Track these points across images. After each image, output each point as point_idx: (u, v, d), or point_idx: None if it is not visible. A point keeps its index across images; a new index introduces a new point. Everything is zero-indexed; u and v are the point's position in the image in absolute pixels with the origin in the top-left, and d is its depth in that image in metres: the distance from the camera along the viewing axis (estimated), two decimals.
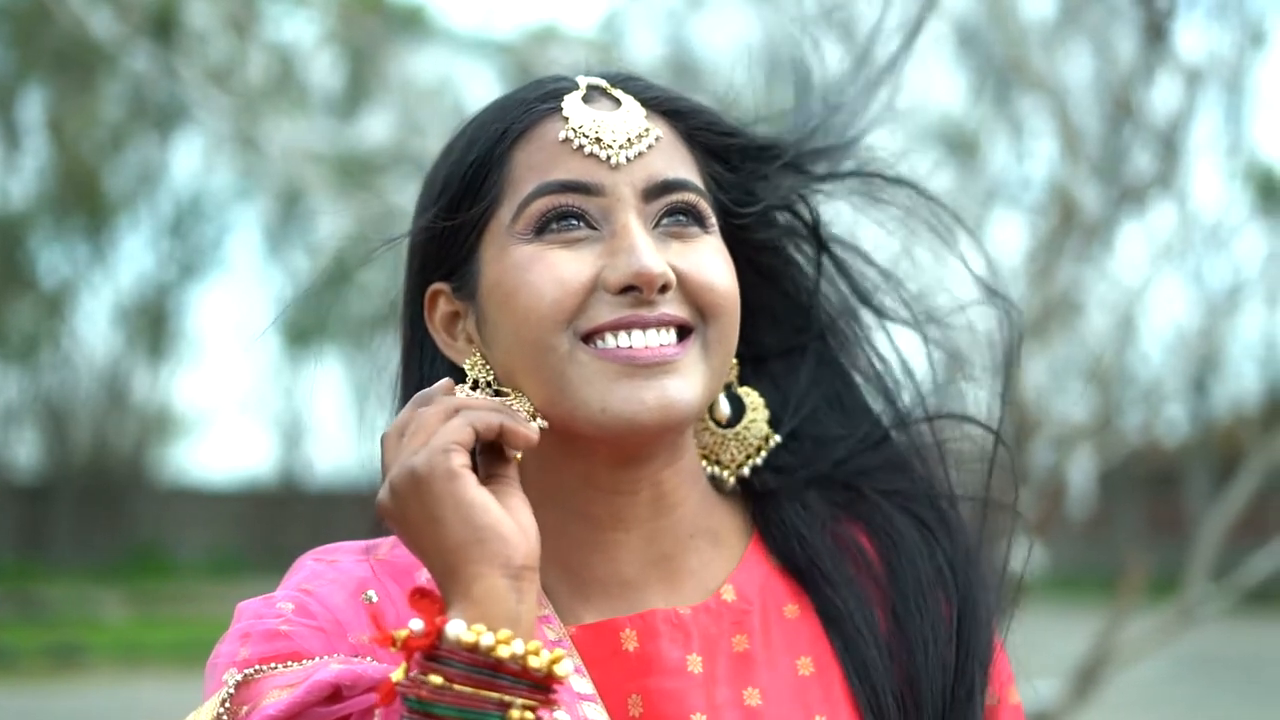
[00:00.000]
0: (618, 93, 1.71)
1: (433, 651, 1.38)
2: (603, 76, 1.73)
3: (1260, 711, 16.58)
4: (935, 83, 9.17)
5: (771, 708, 1.66)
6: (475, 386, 1.68)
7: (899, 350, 1.85)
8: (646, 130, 1.67)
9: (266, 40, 6.31)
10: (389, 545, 1.72)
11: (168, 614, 26.31)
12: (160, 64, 6.33)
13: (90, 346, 38.59)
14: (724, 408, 1.79)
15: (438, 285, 1.73)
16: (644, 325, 1.60)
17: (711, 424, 1.80)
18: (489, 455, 1.55)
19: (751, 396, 1.81)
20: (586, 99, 1.69)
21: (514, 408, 1.61)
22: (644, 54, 8.05)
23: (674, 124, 1.72)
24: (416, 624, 1.39)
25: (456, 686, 1.37)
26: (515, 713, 1.37)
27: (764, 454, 1.80)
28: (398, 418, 1.55)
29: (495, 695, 1.37)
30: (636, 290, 1.60)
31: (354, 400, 45.54)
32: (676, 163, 1.68)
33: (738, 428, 1.79)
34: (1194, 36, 6.54)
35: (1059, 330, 5.70)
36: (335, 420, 52.66)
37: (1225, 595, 6.40)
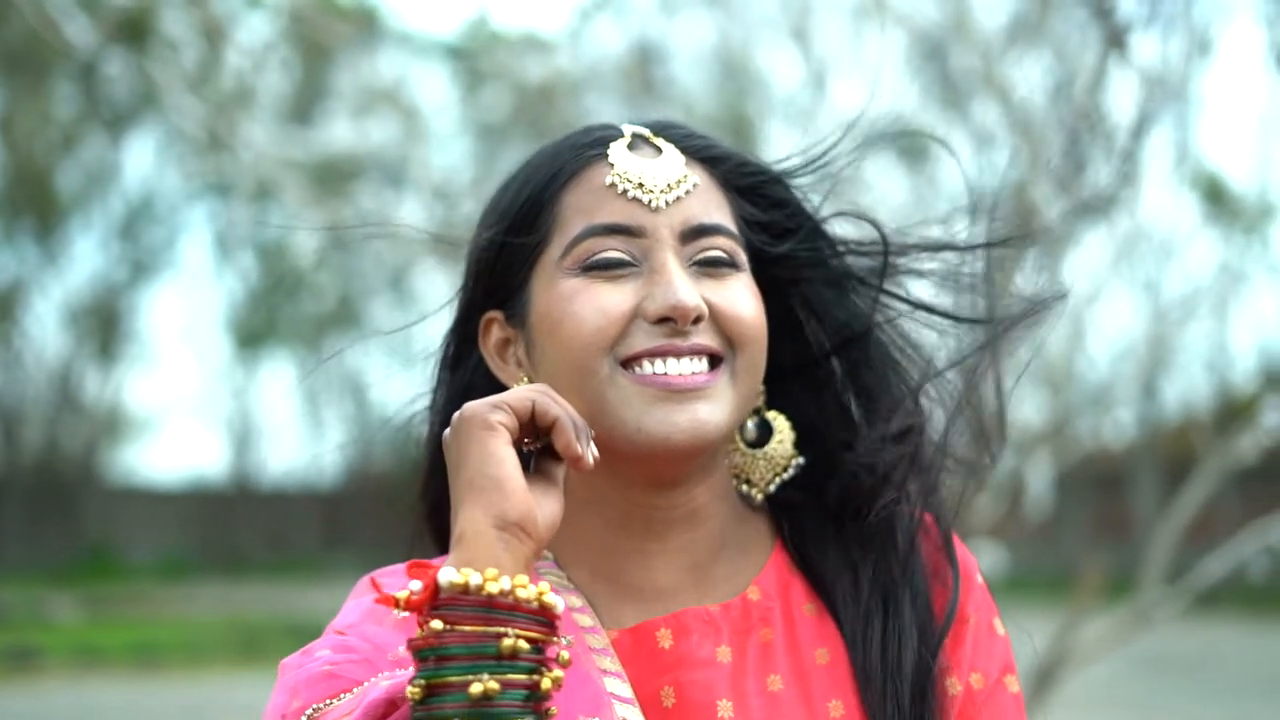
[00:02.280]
0: (660, 141, 1.86)
1: (433, 603, 1.47)
2: (646, 125, 1.89)
3: (1208, 710, 16.76)
4: (891, 90, 9.29)
5: (791, 692, 1.79)
6: None
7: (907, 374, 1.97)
8: (685, 177, 1.82)
9: (238, 44, 6.31)
10: (439, 563, 1.82)
11: (120, 615, 26.21)
12: (134, 69, 6.38)
13: (41, 347, 38.44)
14: (753, 430, 1.94)
15: (492, 314, 1.88)
16: (678, 354, 1.75)
17: (742, 445, 1.93)
18: (545, 455, 1.65)
19: (779, 420, 1.95)
20: (631, 146, 1.84)
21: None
22: (610, 52, 8.11)
23: (710, 169, 1.87)
24: (415, 584, 1.47)
25: (457, 627, 1.45)
26: (508, 641, 1.44)
27: (789, 473, 1.94)
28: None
29: (493, 629, 1.45)
30: (672, 321, 1.75)
31: (304, 401, 45.49)
32: (712, 207, 1.84)
33: (766, 449, 1.93)
34: (1146, 46, 6.63)
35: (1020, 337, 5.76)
36: (286, 421, 52.61)
37: (1179, 597, 6.48)
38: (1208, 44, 7.85)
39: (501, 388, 1.85)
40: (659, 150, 1.85)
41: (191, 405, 48.13)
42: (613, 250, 1.78)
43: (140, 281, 39.93)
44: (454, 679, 1.43)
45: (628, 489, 1.81)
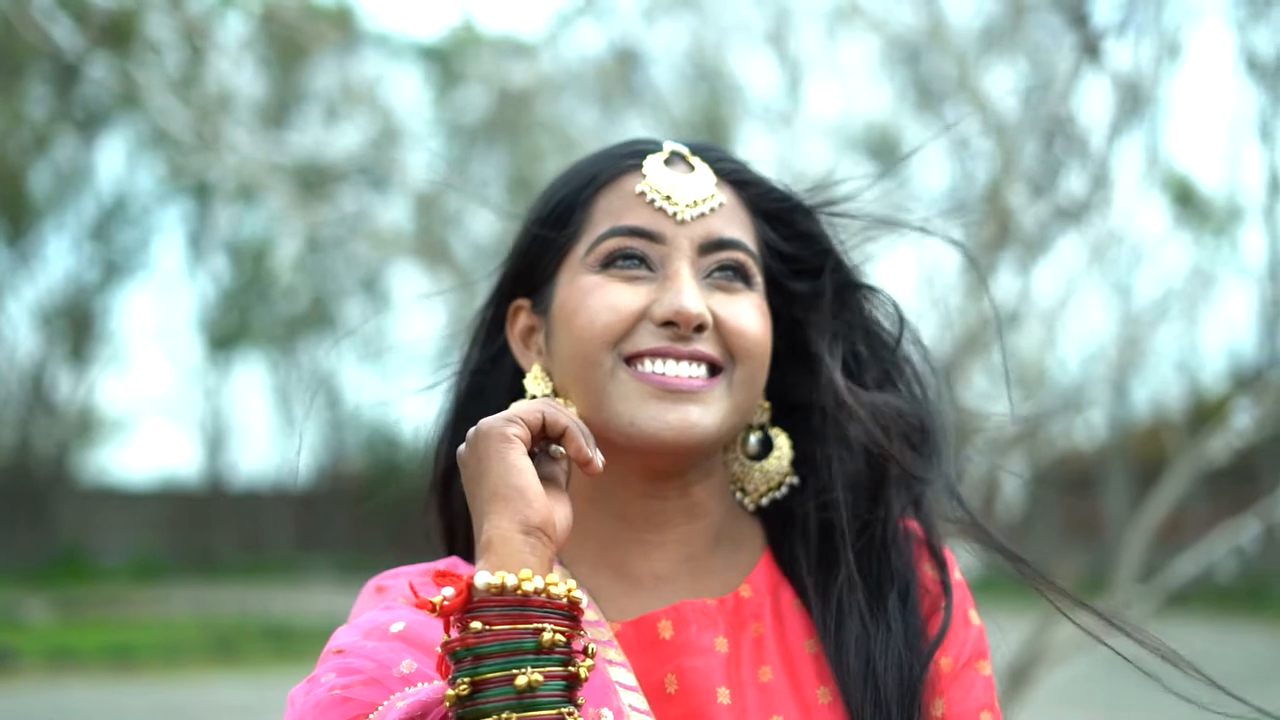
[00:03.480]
0: (695, 160, 1.96)
1: (468, 606, 1.55)
2: (687, 145, 1.98)
3: (1175, 710, 16.81)
4: (864, 93, 9.34)
5: (781, 682, 1.89)
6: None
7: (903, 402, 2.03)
8: (712, 195, 1.92)
9: (219, 46, 6.33)
10: (446, 566, 1.92)
11: (94, 617, 26.13)
12: (117, 72, 6.41)
13: (13, 348, 38.23)
14: (755, 446, 2.04)
15: (520, 301, 2.01)
16: (677, 356, 1.85)
17: (742, 456, 2.03)
18: (547, 460, 1.73)
19: (779, 438, 2.05)
20: (668, 162, 1.95)
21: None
22: (589, 54, 8.14)
23: (739, 192, 1.98)
24: (448, 590, 1.55)
25: (494, 627, 1.53)
26: (547, 635, 1.53)
27: (783, 489, 2.04)
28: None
29: (529, 625, 1.53)
30: (675, 325, 1.85)
31: (277, 402, 45.37)
32: (735, 226, 1.94)
33: (763, 463, 2.03)
34: (1119, 52, 6.68)
35: (997, 340, 5.82)
36: (259, 422, 52.46)
37: (1150, 597, 6.52)
38: (1177, 47, 7.91)
39: (517, 373, 1.99)
40: (692, 168, 1.95)
41: (164, 406, 47.98)
42: (632, 252, 1.89)
43: (113, 283, 39.82)
44: (497, 674, 1.51)
45: (627, 483, 1.90)
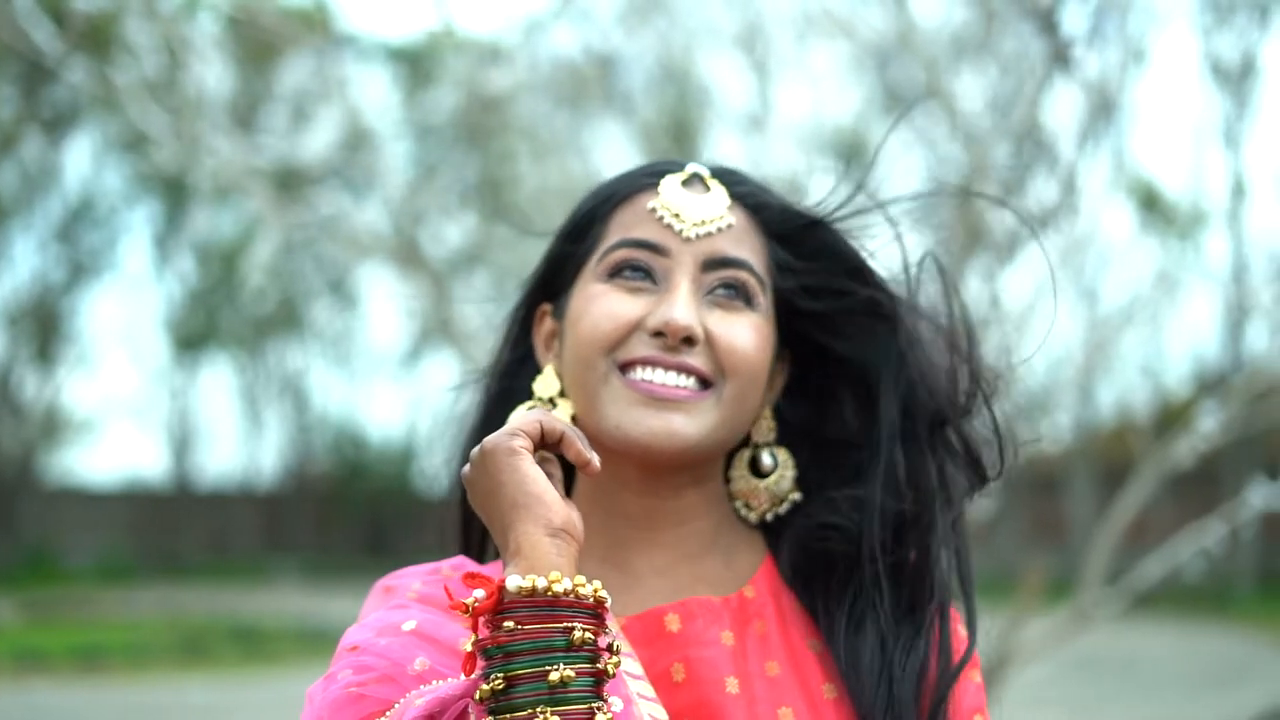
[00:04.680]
0: (713, 182, 2.04)
1: (499, 608, 1.62)
2: (709, 167, 2.07)
3: (1141, 709, 16.96)
4: (833, 97, 9.37)
5: (788, 676, 1.95)
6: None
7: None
8: (721, 216, 2.00)
9: (192, 46, 6.34)
10: (450, 566, 2.01)
11: (61, 618, 26.04)
12: (95, 75, 6.43)
13: None
14: (768, 464, 2.10)
15: (544, 306, 2.11)
16: (665, 366, 1.93)
17: (749, 474, 2.10)
18: (545, 465, 1.82)
19: (783, 456, 2.11)
20: (686, 183, 2.04)
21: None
22: (562, 56, 8.17)
23: (753, 216, 2.05)
24: (479, 592, 1.63)
25: (526, 626, 1.61)
26: (578, 634, 1.61)
27: (785, 506, 2.11)
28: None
29: (559, 624, 1.61)
30: (664, 336, 1.93)
31: (244, 404, 45.25)
32: (742, 247, 2.01)
33: (768, 481, 2.10)
34: (1087, 57, 6.72)
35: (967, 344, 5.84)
36: (225, 423, 52.24)
37: (1117, 598, 6.58)
38: (1142, 53, 7.97)
39: (522, 363, 2.11)
40: (708, 189, 2.03)
41: (131, 407, 47.71)
42: (636, 263, 1.97)
43: (79, 283, 39.69)
44: (529, 670, 1.59)
45: (625, 482, 1.99)
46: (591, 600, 1.64)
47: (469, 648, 1.64)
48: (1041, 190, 6.00)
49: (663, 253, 1.98)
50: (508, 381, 2.15)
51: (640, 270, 1.98)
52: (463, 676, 1.68)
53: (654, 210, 2.00)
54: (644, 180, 2.05)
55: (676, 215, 1.99)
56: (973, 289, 5.77)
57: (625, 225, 2.01)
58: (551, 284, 2.10)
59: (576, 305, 2.00)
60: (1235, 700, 16.93)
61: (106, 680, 19.51)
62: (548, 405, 2.03)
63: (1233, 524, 6.79)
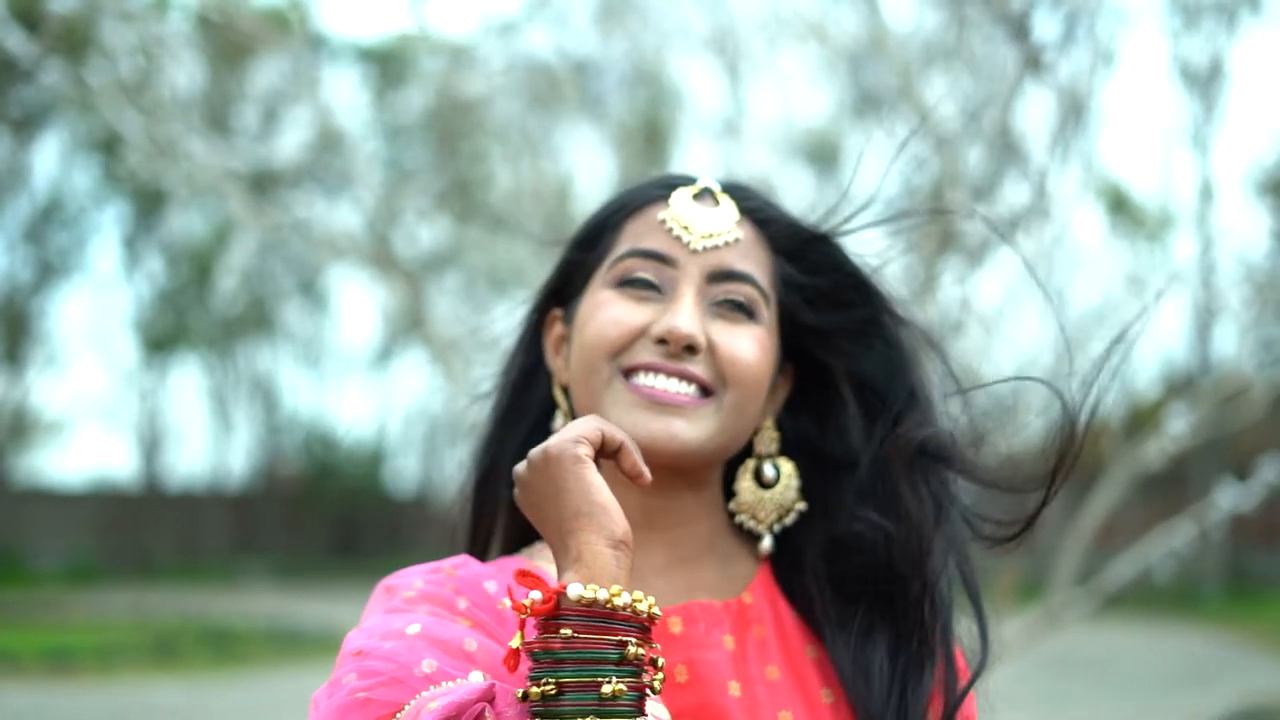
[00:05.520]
0: (723, 197, 2.09)
1: (554, 612, 1.65)
2: (719, 182, 2.12)
3: (1111, 709, 17.03)
4: (805, 100, 9.39)
5: (787, 681, 2.01)
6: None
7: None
8: (729, 230, 2.06)
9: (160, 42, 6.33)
10: (451, 565, 2.00)
11: (30, 620, 25.93)
12: (71, 79, 6.43)
13: None
14: (771, 475, 2.14)
15: (555, 311, 2.16)
16: (667, 372, 1.98)
17: (755, 485, 2.15)
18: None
19: (787, 468, 2.16)
20: (697, 196, 2.09)
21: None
22: (536, 57, 8.17)
23: (761, 230, 2.10)
24: (536, 594, 1.65)
25: (583, 636, 1.64)
26: (632, 649, 1.64)
27: (791, 517, 2.15)
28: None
29: (614, 637, 1.64)
30: (666, 343, 1.98)
31: (213, 405, 45.12)
32: (748, 261, 2.06)
33: (774, 492, 2.14)
34: (1058, 61, 6.74)
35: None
36: (195, 425, 52.10)
37: (1088, 599, 6.61)
38: (1111, 55, 8.00)
39: (536, 366, 2.16)
40: (717, 203, 2.09)
41: (100, 408, 47.56)
42: (644, 272, 2.03)
43: (48, 284, 39.53)
44: (579, 679, 1.62)
45: (625, 486, 1.98)
46: (645, 616, 1.67)
47: (516, 645, 1.68)
48: (1013, 194, 6.02)
49: (670, 263, 2.03)
50: (521, 384, 2.19)
51: (647, 279, 2.03)
52: (478, 677, 1.73)
53: (664, 222, 2.06)
54: (656, 192, 2.11)
55: (685, 228, 2.04)
56: (945, 291, 5.79)
57: (635, 235, 2.07)
58: (563, 290, 2.15)
59: (585, 310, 2.05)
60: (1204, 699, 17.03)
61: (77, 682, 19.45)
62: (562, 416, 2.10)
63: (1202, 525, 6.84)
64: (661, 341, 1.99)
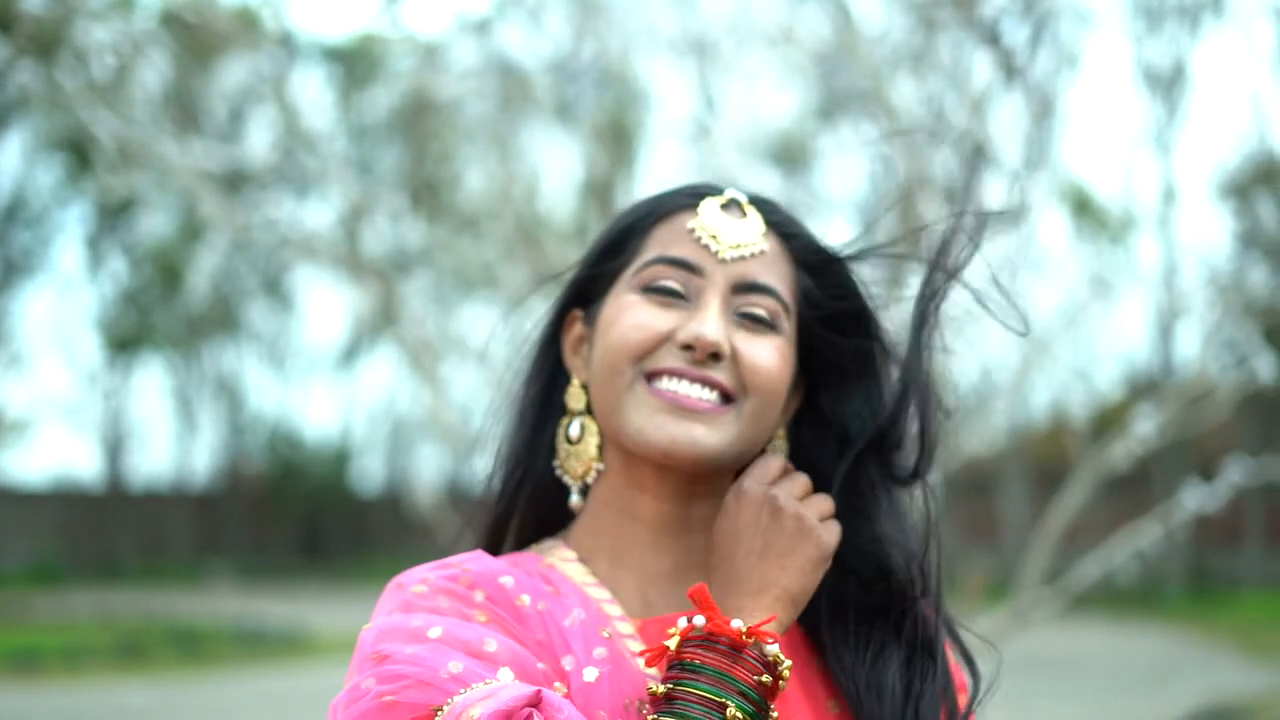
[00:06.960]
0: (750, 209, 2.12)
1: (730, 636, 1.84)
2: (746, 194, 2.14)
3: (1076, 708, 17.12)
4: (773, 102, 9.42)
5: (795, 690, 2.04)
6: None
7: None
8: (755, 242, 2.08)
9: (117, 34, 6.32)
10: (461, 561, 2.02)
11: None
12: (44, 80, 6.43)
13: None
14: None
15: (575, 312, 2.18)
16: (690, 378, 2.01)
17: None
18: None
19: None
20: (724, 207, 2.11)
21: None
22: (504, 57, 8.18)
23: (785, 243, 2.12)
24: (738, 623, 1.86)
25: (732, 663, 1.83)
26: (766, 679, 1.84)
27: None
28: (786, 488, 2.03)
29: (755, 676, 1.83)
30: (692, 349, 2.00)
31: (177, 405, 44.98)
32: (773, 274, 2.08)
33: None
34: (1026, 65, 6.77)
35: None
36: (159, 425, 51.91)
37: (1055, 599, 6.64)
38: (1074, 58, 8.05)
39: (557, 366, 2.19)
40: (744, 215, 2.11)
41: (63, 408, 47.31)
42: (671, 280, 2.05)
43: (11, 283, 39.35)
44: (707, 695, 1.80)
45: (643, 486, 2.06)
46: (784, 670, 1.85)
47: (673, 645, 1.85)
48: (983, 197, 6.05)
49: (697, 272, 2.05)
50: (540, 384, 2.21)
51: (674, 286, 2.05)
52: (507, 674, 1.77)
53: (692, 230, 2.08)
54: (685, 200, 2.12)
55: (714, 237, 2.06)
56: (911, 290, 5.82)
57: (663, 242, 2.08)
58: (586, 292, 2.17)
59: (609, 313, 2.07)
60: (1167, 698, 17.14)
61: (42, 683, 19.39)
62: (579, 417, 2.13)
63: (1167, 526, 6.89)
64: (686, 348, 2.01)
